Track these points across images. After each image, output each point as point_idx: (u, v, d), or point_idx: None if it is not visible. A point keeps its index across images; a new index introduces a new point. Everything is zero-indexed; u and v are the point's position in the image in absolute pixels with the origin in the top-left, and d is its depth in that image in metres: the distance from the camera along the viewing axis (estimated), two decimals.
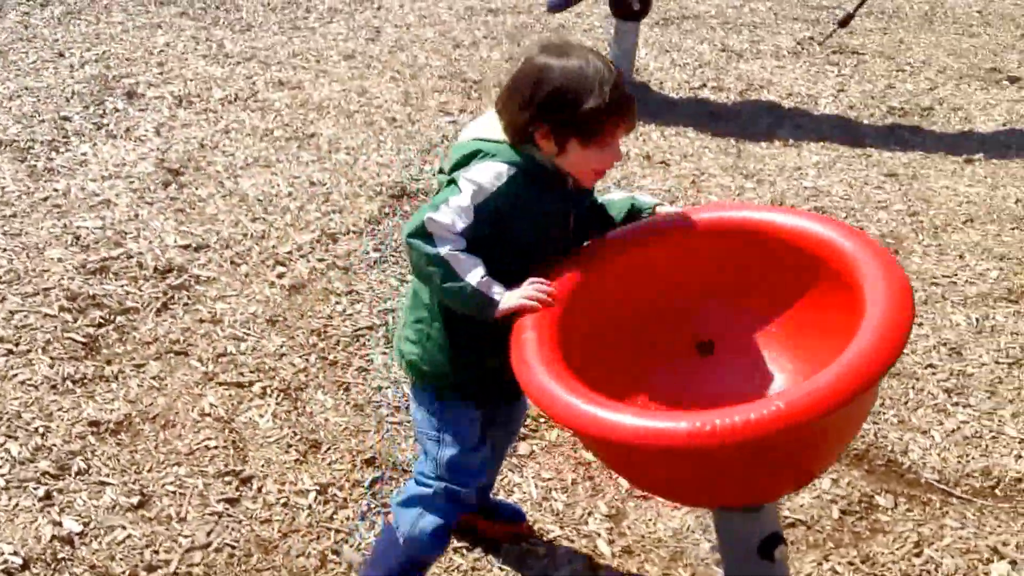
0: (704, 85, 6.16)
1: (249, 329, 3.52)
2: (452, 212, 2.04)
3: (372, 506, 2.82)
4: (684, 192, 4.68)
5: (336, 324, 3.57)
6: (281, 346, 3.44)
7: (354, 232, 4.15)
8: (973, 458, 3.10)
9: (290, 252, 3.98)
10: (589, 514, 2.85)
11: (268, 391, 3.23)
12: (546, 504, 2.87)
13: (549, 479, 2.96)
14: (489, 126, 2.15)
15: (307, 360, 3.38)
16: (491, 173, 2.07)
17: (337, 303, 3.69)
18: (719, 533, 2.22)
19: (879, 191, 4.79)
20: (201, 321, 3.54)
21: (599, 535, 2.79)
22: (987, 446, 3.15)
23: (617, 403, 1.90)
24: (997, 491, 2.95)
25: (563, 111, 2.04)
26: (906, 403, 3.33)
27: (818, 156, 5.18)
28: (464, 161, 2.10)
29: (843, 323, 1.93)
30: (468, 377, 2.24)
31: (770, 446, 1.77)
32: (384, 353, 3.42)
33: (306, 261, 3.93)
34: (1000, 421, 3.24)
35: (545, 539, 2.77)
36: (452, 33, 6.74)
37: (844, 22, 6.80)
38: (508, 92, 2.11)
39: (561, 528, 2.80)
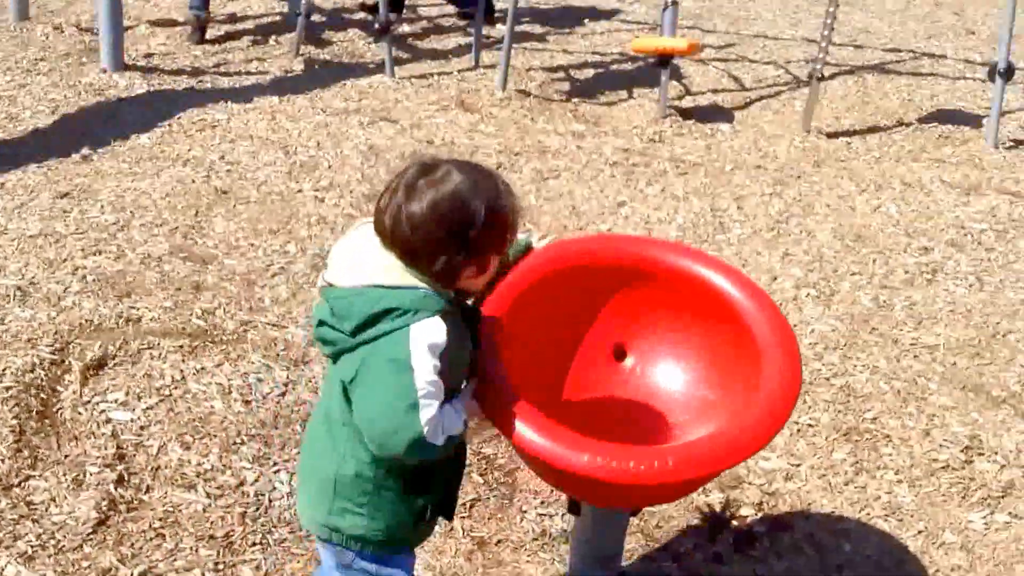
0: None
1: None
2: (432, 401, 1.99)
3: None
4: None
5: None
6: None
7: None
8: None
9: None
10: None
11: None
12: None
13: None
14: (381, 266, 2.05)
15: None
16: (431, 336, 1.99)
17: None
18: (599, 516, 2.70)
19: None
20: None
21: None
22: None
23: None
24: None
25: (495, 234, 2.06)
26: None
27: None
28: (372, 320, 2.00)
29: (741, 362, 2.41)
30: (421, 525, 2.26)
31: (653, 491, 2.32)
32: None
33: None
34: None
35: None
36: None
37: None
38: (436, 238, 2.00)
39: None
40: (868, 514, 3.29)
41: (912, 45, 8.12)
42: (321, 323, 2.08)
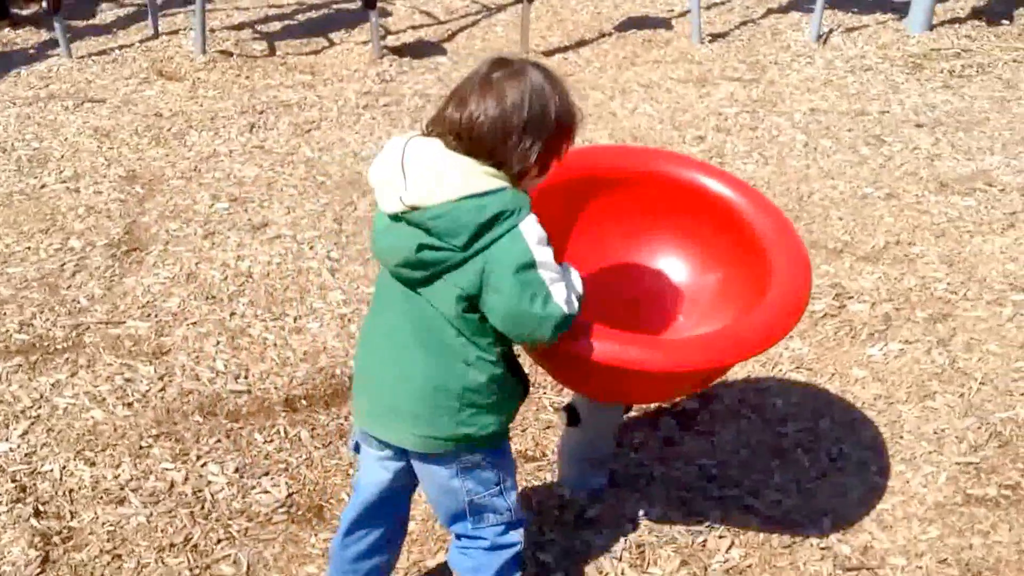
0: None
1: None
2: (558, 283, 2.09)
3: None
4: None
5: None
6: None
7: None
8: None
9: None
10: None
11: None
12: None
13: None
14: (466, 175, 2.04)
15: None
16: (536, 227, 2.06)
17: None
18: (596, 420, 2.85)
19: None
20: None
21: None
22: None
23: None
24: None
25: (562, 133, 2.10)
26: None
27: None
28: (484, 229, 2.02)
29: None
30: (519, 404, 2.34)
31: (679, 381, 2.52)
32: None
33: None
34: None
35: None
36: None
37: None
38: (515, 128, 2.03)
39: None
40: (780, 370, 3.55)
41: None
42: (421, 247, 2.04)
